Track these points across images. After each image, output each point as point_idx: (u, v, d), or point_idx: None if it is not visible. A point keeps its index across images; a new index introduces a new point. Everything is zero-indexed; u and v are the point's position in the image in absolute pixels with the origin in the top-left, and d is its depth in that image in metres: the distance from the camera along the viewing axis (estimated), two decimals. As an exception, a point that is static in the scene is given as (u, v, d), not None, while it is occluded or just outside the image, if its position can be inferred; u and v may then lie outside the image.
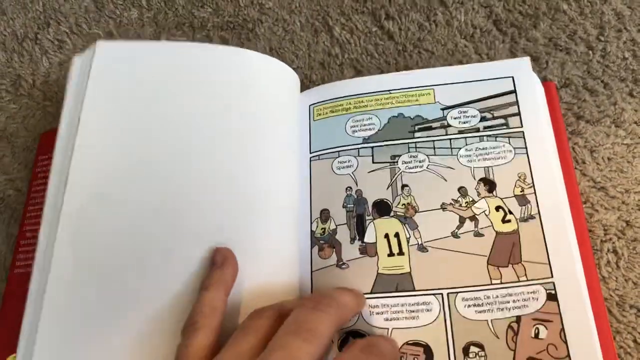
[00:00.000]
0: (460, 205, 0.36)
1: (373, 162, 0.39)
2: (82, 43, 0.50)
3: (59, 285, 0.32)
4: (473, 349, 0.32)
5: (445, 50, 0.45)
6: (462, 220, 0.36)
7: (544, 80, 0.42)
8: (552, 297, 0.33)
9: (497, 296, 0.33)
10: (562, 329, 0.32)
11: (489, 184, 0.37)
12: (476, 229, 0.35)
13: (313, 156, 0.40)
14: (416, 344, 0.33)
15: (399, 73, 0.43)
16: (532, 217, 0.35)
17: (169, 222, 0.34)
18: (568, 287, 0.33)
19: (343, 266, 0.35)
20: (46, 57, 0.49)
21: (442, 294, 0.34)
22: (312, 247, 0.37)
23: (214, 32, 0.49)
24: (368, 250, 0.36)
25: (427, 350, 0.32)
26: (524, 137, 0.38)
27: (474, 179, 0.37)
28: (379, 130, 0.40)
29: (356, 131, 0.40)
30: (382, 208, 0.37)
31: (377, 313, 0.34)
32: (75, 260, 0.33)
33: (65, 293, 0.32)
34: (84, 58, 0.38)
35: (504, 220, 0.35)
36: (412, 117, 0.40)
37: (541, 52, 0.44)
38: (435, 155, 0.38)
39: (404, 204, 0.37)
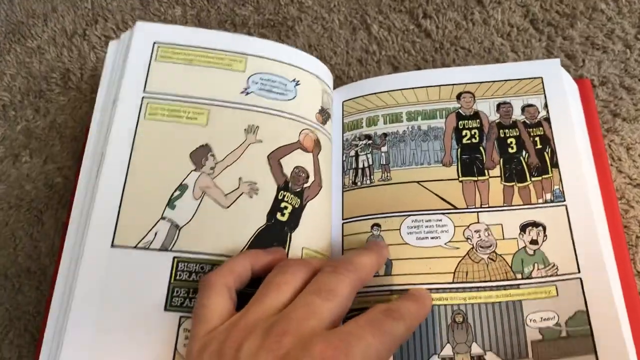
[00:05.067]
0: None
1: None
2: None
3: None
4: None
5: (482, 48, 0.46)
6: None
7: (580, 78, 0.42)
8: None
9: None
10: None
11: None
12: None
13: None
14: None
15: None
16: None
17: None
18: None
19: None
20: (94, 52, 0.51)
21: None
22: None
23: (254, 30, 0.50)
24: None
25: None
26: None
27: None
28: None
29: None
30: None
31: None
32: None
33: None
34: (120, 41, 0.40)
35: None
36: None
37: (577, 51, 0.44)
38: None
39: None
